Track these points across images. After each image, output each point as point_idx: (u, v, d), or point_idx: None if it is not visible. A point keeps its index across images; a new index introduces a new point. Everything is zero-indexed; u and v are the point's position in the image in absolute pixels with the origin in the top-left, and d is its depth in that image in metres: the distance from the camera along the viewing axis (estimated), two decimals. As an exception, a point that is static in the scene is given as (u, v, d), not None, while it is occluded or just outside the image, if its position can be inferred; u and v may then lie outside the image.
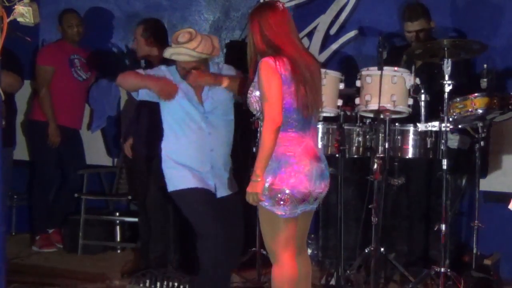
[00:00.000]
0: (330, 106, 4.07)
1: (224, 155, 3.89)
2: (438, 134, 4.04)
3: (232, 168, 3.96)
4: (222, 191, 3.84)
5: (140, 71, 3.95)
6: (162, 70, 3.87)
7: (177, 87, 3.77)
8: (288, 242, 3.24)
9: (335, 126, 4.18)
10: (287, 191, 3.15)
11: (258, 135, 4.40)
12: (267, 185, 3.17)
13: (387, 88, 3.94)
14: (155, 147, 4.04)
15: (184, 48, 3.63)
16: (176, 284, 4.11)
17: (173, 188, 3.81)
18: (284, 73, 3.15)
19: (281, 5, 3.31)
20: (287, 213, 3.19)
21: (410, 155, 4.21)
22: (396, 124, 4.16)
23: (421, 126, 4.05)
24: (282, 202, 3.16)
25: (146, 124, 4.59)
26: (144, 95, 3.86)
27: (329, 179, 3.33)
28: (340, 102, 4.12)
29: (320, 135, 4.18)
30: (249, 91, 3.28)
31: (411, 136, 4.18)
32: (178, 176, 3.78)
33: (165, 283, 4.13)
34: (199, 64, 3.72)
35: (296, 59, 3.20)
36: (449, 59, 3.89)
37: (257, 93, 3.22)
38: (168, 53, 3.70)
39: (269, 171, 3.18)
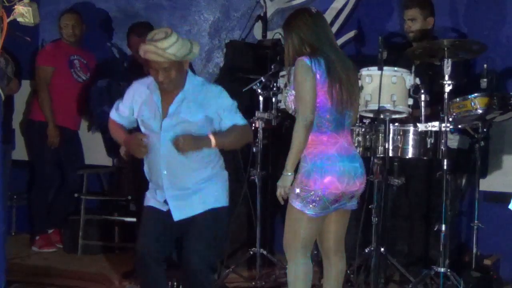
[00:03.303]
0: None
1: (186, 178, 3.45)
2: (438, 134, 4.04)
3: (204, 184, 3.48)
4: (178, 214, 3.47)
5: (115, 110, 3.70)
6: (138, 88, 3.57)
7: (144, 146, 3.46)
8: (307, 241, 3.34)
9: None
10: (319, 193, 3.22)
11: (259, 135, 4.42)
12: (297, 190, 3.23)
13: (387, 88, 3.94)
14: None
15: (153, 46, 3.27)
16: (175, 283, 4.10)
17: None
18: (318, 72, 3.20)
19: (314, 9, 3.41)
20: (317, 212, 3.27)
21: (410, 155, 4.20)
22: (396, 124, 4.16)
23: (421, 126, 4.05)
24: (314, 203, 3.24)
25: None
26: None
27: (365, 175, 3.41)
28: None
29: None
30: (286, 90, 3.32)
31: (411, 136, 4.17)
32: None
33: (165, 283, 4.12)
34: (171, 66, 3.31)
35: (332, 59, 3.26)
36: (449, 59, 3.89)
37: (294, 92, 3.28)
38: (142, 50, 3.38)
39: (303, 172, 3.26)
